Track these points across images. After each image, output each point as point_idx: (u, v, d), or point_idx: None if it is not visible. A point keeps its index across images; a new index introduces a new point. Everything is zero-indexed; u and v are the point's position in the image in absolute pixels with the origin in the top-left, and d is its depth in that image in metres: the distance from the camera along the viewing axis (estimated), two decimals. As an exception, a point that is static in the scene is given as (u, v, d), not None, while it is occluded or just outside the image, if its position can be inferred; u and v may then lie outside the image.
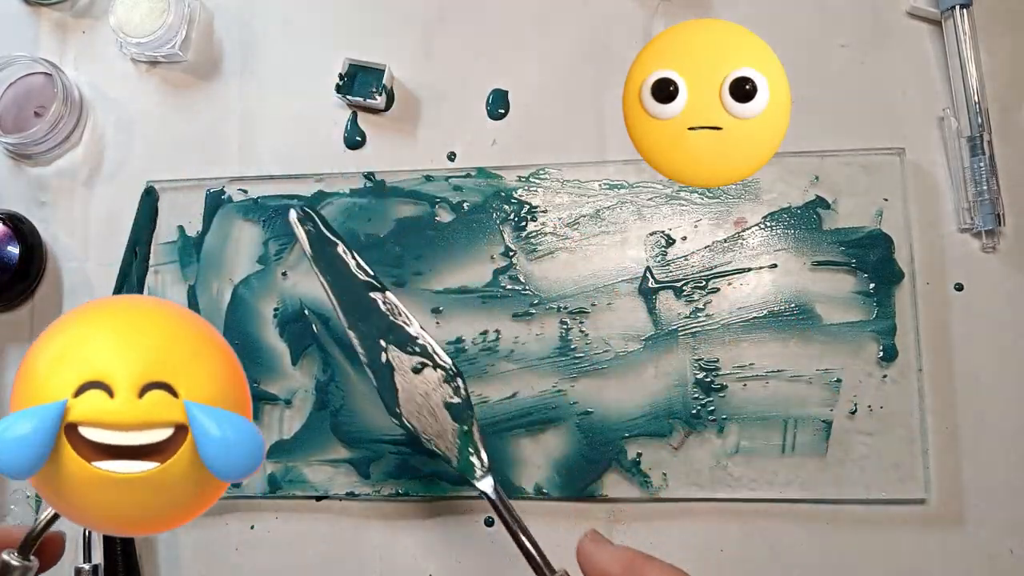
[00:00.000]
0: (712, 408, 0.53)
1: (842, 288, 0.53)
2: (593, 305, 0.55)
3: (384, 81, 0.60)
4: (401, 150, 0.60)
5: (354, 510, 0.56)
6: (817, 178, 0.55)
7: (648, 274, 0.55)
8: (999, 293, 0.53)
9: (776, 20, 0.59)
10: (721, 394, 0.53)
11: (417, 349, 0.45)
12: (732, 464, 0.53)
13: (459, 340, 0.56)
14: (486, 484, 0.43)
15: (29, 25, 0.66)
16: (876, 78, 0.57)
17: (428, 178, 0.58)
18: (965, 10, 0.55)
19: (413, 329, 0.45)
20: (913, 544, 0.51)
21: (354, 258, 0.47)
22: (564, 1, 0.61)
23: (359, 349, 0.45)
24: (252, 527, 0.57)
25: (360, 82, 0.61)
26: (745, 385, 0.53)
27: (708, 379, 0.53)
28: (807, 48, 0.58)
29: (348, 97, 0.60)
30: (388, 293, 0.46)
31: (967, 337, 0.53)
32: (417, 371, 0.45)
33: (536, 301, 0.56)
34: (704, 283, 0.55)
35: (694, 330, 0.54)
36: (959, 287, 0.54)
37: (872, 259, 0.53)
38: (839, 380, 0.52)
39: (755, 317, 0.54)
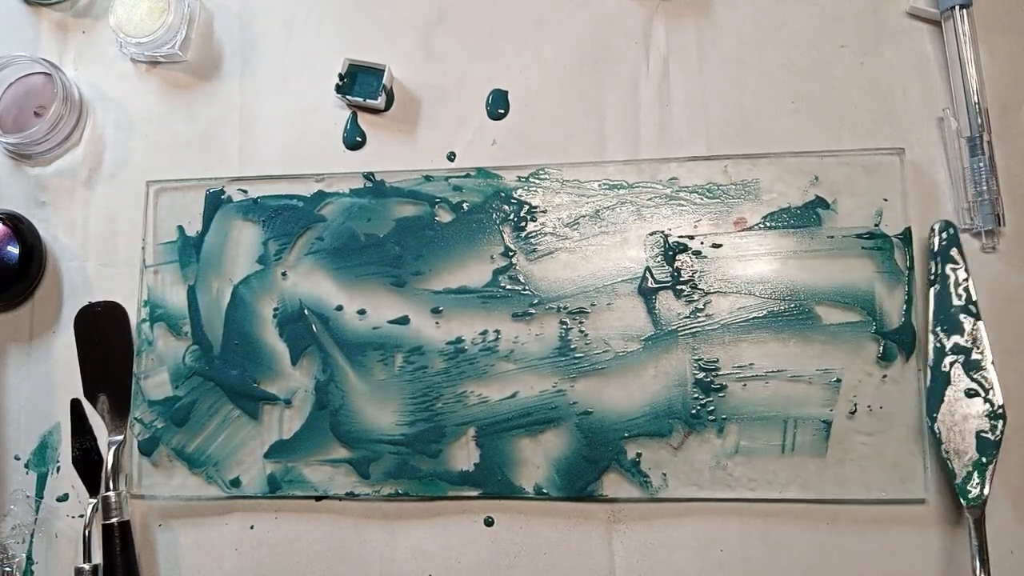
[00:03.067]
0: (712, 408, 0.53)
1: (842, 288, 0.53)
2: (593, 305, 0.55)
3: (384, 81, 0.60)
4: (401, 150, 0.60)
5: (354, 510, 0.56)
6: (817, 178, 0.55)
7: (648, 274, 0.55)
8: (999, 293, 0.53)
9: (776, 20, 0.59)
10: (721, 394, 0.53)
11: (979, 376, 0.50)
12: (732, 464, 0.53)
13: (459, 340, 0.56)
14: (972, 513, 0.49)
15: (29, 25, 0.66)
16: (876, 78, 0.57)
17: (428, 178, 0.58)
18: (965, 10, 0.55)
19: (986, 360, 0.50)
20: (913, 544, 0.51)
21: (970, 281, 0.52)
22: (564, 1, 0.61)
23: (930, 354, 0.51)
24: (252, 527, 0.57)
25: (360, 82, 0.61)
26: (745, 385, 0.53)
27: (708, 379, 0.53)
28: (807, 48, 0.58)
29: (348, 97, 0.60)
30: (981, 323, 0.51)
31: (967, 337, 0.53)
32: (969, 395, 0.50)
33: (536, 301, 0.56)
34: (704, 283, 0.55)
35: (694, 330, 0.54)
36: (959, 287, 0.54)
37: (872, 259, 0.53)
38: (839, 380, 0.52)
39: (755, 317, 0.54)
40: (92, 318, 0.60)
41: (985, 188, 0.53)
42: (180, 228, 0.60)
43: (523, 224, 0.57)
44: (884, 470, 0.51)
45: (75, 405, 0.59)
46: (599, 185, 0.57)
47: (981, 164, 0.53)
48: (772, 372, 0.53)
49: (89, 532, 0.56)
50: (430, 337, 0.56)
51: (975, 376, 0.50)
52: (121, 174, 0.63)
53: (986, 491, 0.49)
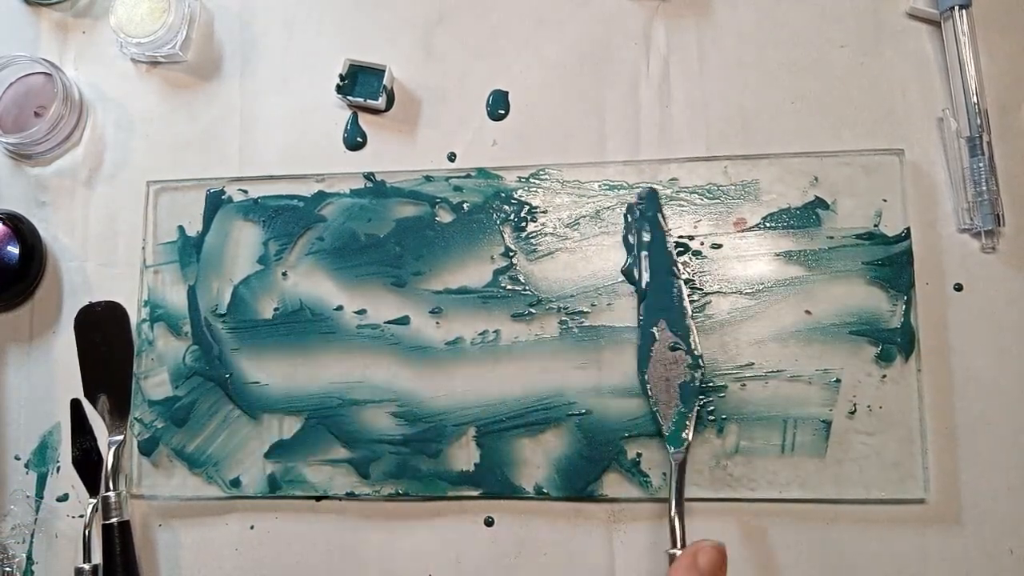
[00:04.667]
0: (712, 408, 0.53)
1: (841, 289, 0.53)
2: (593, 305, 0.55)
3: (384, 81, 0.60)
4: (401, 150, 0.60)
5: (354, 510, 0.56)
6: (817, 179, 0.55)
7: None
8: (999, 293, 0.53)
9: (776, 20, 0.59)
10: (721, 394, 0.53)
11: (680, 332, 0.53)
12: (732, 464, 0.53)
13: (458, 340, 0.56)
14: (676, 457, 0.51)
15: (29, 25, 0.66)
16: (876, 78, 0.57)
17: (428, 178, 0.58)
18: (964, 11, 0.55)
19: (687, 318, 0.54)
20: (912, 544, 0.51)
21: (670, 242, 0.55)
22: (564, 1, 0.61)
23: (640, 314, 0.55)
24: (252, 527, 0.57)
25: (360, 82, 0.61)
26: (745, 385, 0.53)
27: (708, 379, 0.53)
28: (807, 48, 0.58)
29: (348, 97, 0.60)
30: (681, 281, 0.54)
31: (967, 337, 0.53)
32: (673, 349, 0.53)
33: (536, 301, 0.56)
34: (704, 283, 0.55)
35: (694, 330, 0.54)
36: (959, 287, 0.54)
37: (872, 260, 0.53)
38: (838, 380, 0.52)
39: (754, 317, 0.54)
40: (92, 318, 0.60)
41: (985, 188, 0.53)
42: (180, 228, 0.60)
43: (523, 224, 0.57)
44: (884, 470, 0.51)
45: (75, 405, 0.59)
46: (599, 186, 0.57)
47: (981, 164, 0.53)
48: (772, 372, 0.53)
49: (89, 532, 0.56)
50: (430, 337, 0.56)
51: (677, 330, 0.53)
52: (121, 174, 0.63)
53: (689, 436, 0.52)
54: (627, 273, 0.55)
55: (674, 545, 0.48)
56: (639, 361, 0.54)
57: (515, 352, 0.55)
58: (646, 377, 0.53)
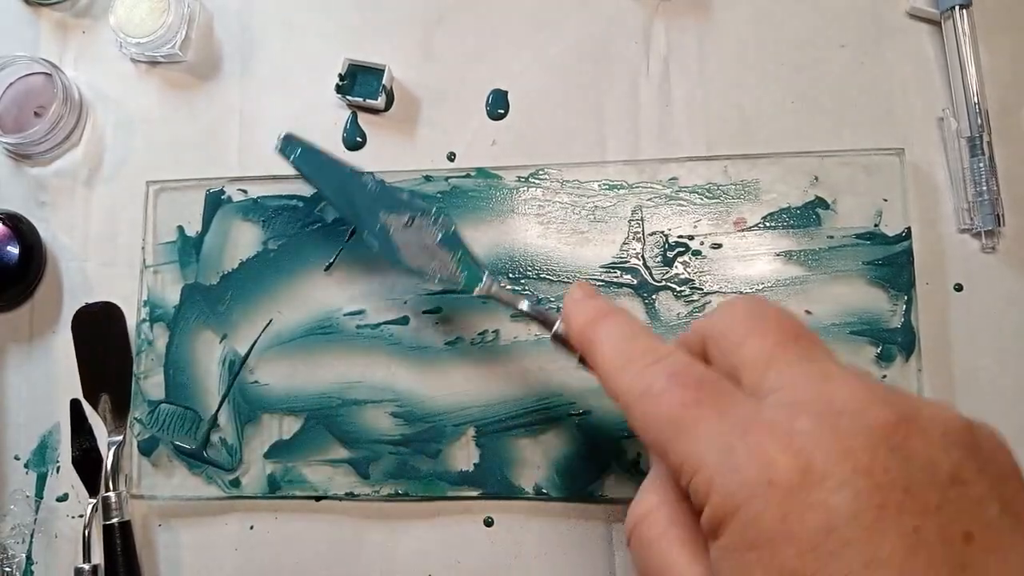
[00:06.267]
0: (712, 408, 0.53)
1: (841, 289, 0.53)
2: (593, 305, 0.55)
3: (384, 81, 0.60)
4: (401, 150, 0.60)
5: (354, 510, 0.56)
6: (817, 178, 0.55)
7: (648, 274, 0.55)
8: (999, 293, 0.53)
9: (776, 20, 0.59)
10: (721, 394, 0.53)
11: (402, 206, 0.51)
12: (732, 464, 0.52)
13: (458, 340, 0.56)
14: (485, 286, 0.48)
15: (29, 25, 0.66)
16: (876, 78, 0.57)
17: (428, 178, 0.58)
18: (965, 10, 0.55)
19: (398, 193, 0.51)
20: (913, 544, 0.51)
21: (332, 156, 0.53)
22: (564, 1, 0.61)
23: (360, 227, 0.51)
24: (252, 527, 0.57)
25: (360, 82, 0.61)
26: (745, 385, 0.53)
27: None
28: (807, 48, 0.58)
29: (348, 97, 0.60)
30: (372, 173, 0.52)
31: (967, 337, 0.53)
32: (408, 225, 0.50)
33: (536, 301, 0.56)
34: (703, 283, 0.55)
35: (694, 330, 0.54)
36: (959, 287, 0.54)
37: (872, 260, 0.53)
38: (839, 380, 0.52)
39: (755, 317, 0.54)
40: (88, 319, 0.60)
41: (985, 188, 0.53)
42: (180, 228, 0.60)
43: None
44: (884, 470, 0.51)
45: (75, 405, 0.59)
46: (599, 185, 0.57)
47: (981, 164, 0.53)
48: (772, 372, 0.53)
49: (89, 532, 0.56)
50: (430, 337, 0.56)
51: (399, 209, 0.51)
52: (121, 174, 0.63)
53: (481, 263, 0.49)
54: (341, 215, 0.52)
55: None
56: (391, 261, 0.50)
57: (515, 352, 0.55)
58: (410, 264, 0.49)
